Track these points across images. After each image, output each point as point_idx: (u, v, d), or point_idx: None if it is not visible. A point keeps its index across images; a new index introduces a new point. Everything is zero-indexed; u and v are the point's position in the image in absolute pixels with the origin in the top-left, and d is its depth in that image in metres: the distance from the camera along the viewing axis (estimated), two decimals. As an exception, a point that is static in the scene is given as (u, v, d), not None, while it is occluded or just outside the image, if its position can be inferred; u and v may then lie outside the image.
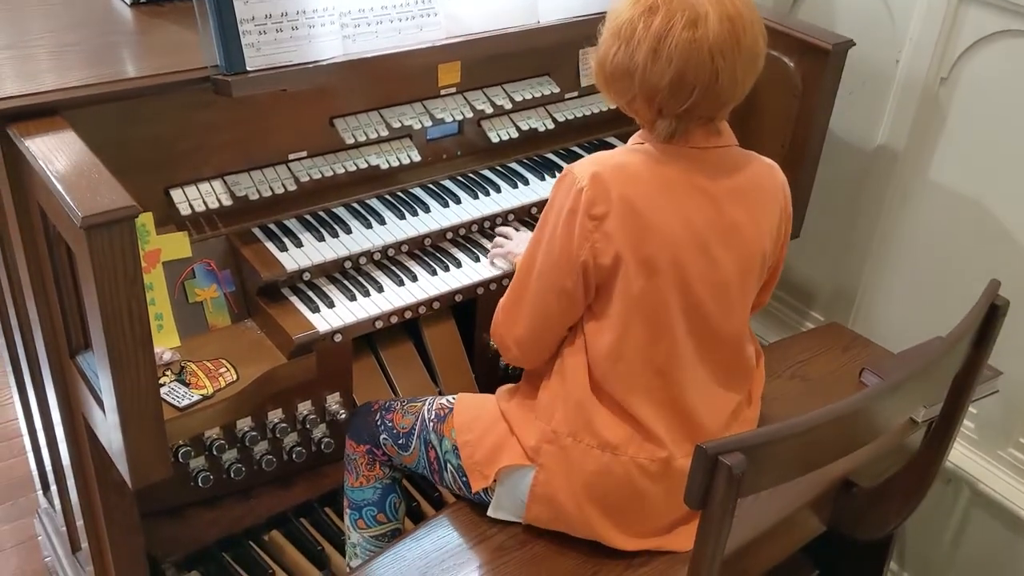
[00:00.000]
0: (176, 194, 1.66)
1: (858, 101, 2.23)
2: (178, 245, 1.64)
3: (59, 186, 1.28)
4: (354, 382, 2.09)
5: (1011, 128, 1.95)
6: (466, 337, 2.25)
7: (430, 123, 1.88)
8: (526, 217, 1.99)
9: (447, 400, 1.69)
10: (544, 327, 1.53)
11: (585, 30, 1.94)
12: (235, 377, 1.57)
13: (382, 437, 1.72)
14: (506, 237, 1.88)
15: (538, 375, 1.59)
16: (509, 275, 1.82)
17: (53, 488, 2.06)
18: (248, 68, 1.57)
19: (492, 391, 1.97)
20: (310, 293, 1.70)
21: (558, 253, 1.44)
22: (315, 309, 1.67)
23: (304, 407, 2.02)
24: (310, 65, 1.62)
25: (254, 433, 1.94)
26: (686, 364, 1.48)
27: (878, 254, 2.29)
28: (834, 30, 2.16)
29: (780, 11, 2.33)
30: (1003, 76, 1.95)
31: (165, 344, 1.60)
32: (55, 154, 1.35)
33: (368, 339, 2.14)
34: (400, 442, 1.69)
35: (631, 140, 1.49)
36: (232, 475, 1.95)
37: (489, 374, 2.28)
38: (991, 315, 1.46)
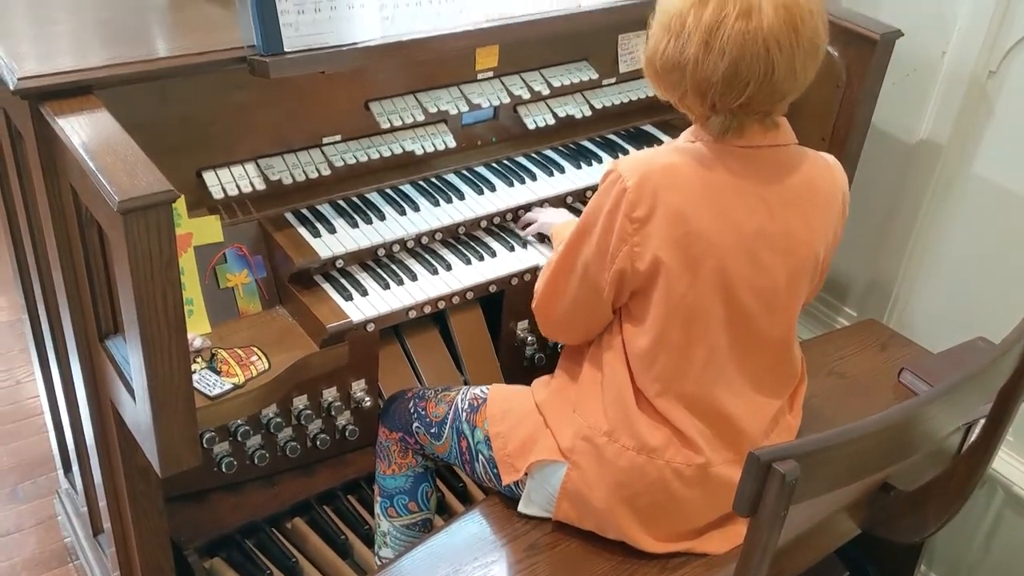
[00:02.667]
0: (209, 177, 1.63)
1: (901, 92, 2.17)
2: (210, 229, 1.61)
3: (94, 168, 1.25)
4: (380, 369, 2.06)
5: (1062, 125, 1.91)
6: (492, 325, 2.22)
7: (466, 108, 1.84)
8: (561, 207, 1.95)
9: (481, 390, 1.65)
10: (574, 316, 1.51)
11: (626, 15, 1.90)
12: (266, 366, 1.54)
13: (415, 425, 1.70)
14: (530, 222, 1.86)
15: (575, 368, 1.56)
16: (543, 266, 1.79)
17: (75, 469, 2.04)
18: (286, 49, 1.52)
19: (517, 380, 1.94)
20: (343, 281, 1.67)
21: (595, 248, 1.41)
22: (348, 297, 1.64)
23: (329, 394, 1.99)
24: (348, 47, 1.58)
25: (279, 419, 1.92)
26: (725, 370, 1.44)
27: (917, 249, 2.24)
28: (878, 18, 2.10)
29: (823, -1, 2.27)
30: (1056, 71, 1.90)
31: (195, 330, 1.57)
32: (90, 134, 1.32)
33: (394, 326, 2.11)
34: (433, 431, 1.67)
35: (683, 136, 1.44)
36: (256, 461, 1.93)
37: (515, 363, 2.25)
38: (1047, 321, 1.42)
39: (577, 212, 1.93)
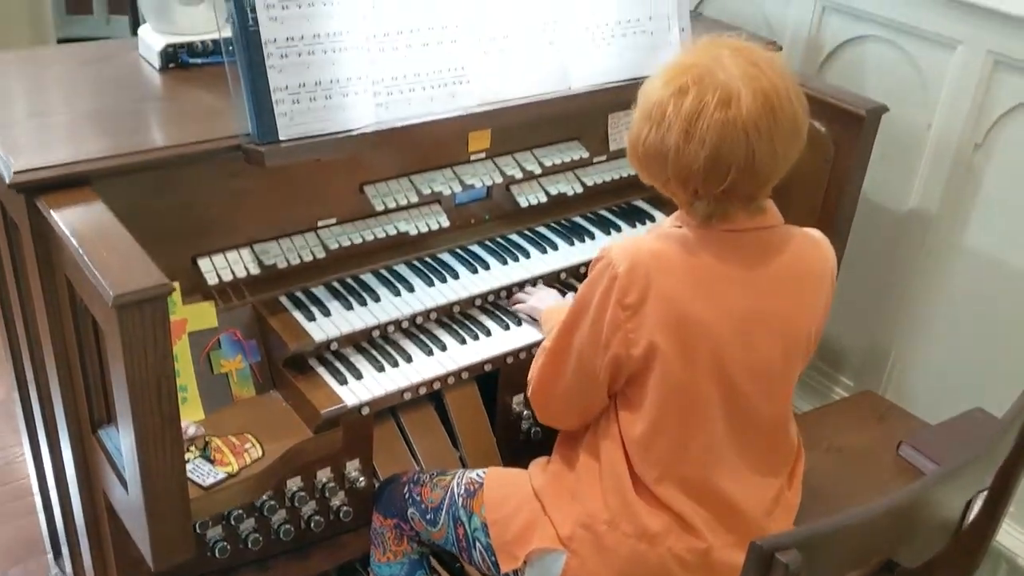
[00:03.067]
0: (204, 263, 1.63)
1: (889, 164, 2.20)
2: (204, 315, 1.61)
3: (89, 262, 1.25)
4: (374, 448, 2.04)
5: (1050, 197, 1.93)
6: (488, 398, 2.20)
7: (460, 189, 1.86)
8: (555, 284, 1.95)
9: (477, 475, 1.64)
10: (570, 402, 1.51)
11: (616, 96, 1.93)
12: (260, 453, 1.53)
13: (410, 511, 1.68)
14: (520, 302, 1.87)
15: (572, 454, 1.54)
16: (538, 343, 1.79)
17: (65, 553, 2.00)
18: (281, 137, 1.54)
19: (514, 455, 1.93)
20: (337, 364, 1.67)
21: (588, 335, 1.42)
22: (343, 381, 1.63)
23: (323, 474, 1.96)
24: (343, 135, 1.60)
25: (272, 502, 1.88)
26: (723, 453, 1.43)
27: (911, 319, 2.25)
28: (864, 93, 2.14)
29: (808, 73, 2.32)
30: (1041, 144, 1.93)
31: (189, 417, 1.56)
32: (85, 227, 1.32)
33: (389, 404, 2.10)
34: (428, 517, 1.65)
35: (669, 220, 1.45)
36: (249, 545, 1.89)
37: (511, 437, 2.23)
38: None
39: (569, 289, 1.93)
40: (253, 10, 1.49)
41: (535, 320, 1.85)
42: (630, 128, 1.40)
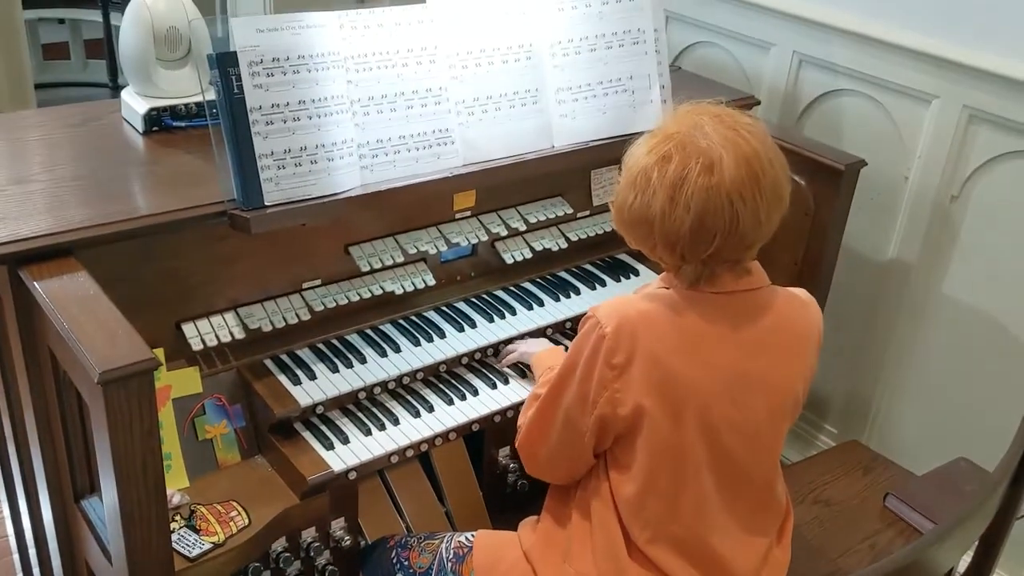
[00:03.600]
0: (188, 328, 1.62)
1: (868, 215, 2.23)
2: (189, 381, 1.59)
3: (74, 336, 1.24)
4: (360, 505, 2.02)
5: (1026, 247, 1.96)
6: (474, 451, 2.19)
7: (445, 247, 1.86)
8: (541, 339, 1.95)
9: (466, 538, 1.62)
10: (558, 458, 1.50)
11: (599, 153, 1.94)
12: (246, 521, 1.51)
13: (397, 576, 1.66)
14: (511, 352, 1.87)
15: (562, 513, 1.54)
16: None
17: (44, 622, 1.96)
18: (266, 203, 1.54)
19: (501, 509, 1.91)
20: (323, 428, 1.65)
21: (576, 393, 1.42)
22: (329, 446, 1.62)
23: (308, 534, 1.94)
24: (329, 199, 1.60)
25: (257, 564, 1.86)
26: (713, 512, 1.43)
27: (893, 367, 2.27)
28: (840, 146, 2.17)
29: (786, 126, 2.35)
30: (1017, 195, 1.96)
31: (174, 485, 1.54)
32: (69, 300, 1.31)
33: (374, 460, 2.08)
34: (416, 582, 1.63)
35: (656, 282, 1.46)
36: (234, 609, 1.87)
37: (498, 490, 2.21)
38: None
39: (557, 342, 1.93)
40: (238, 78, 1.49)
41: (525, 373, 1.84)
42: (615, 195, 1.41)
